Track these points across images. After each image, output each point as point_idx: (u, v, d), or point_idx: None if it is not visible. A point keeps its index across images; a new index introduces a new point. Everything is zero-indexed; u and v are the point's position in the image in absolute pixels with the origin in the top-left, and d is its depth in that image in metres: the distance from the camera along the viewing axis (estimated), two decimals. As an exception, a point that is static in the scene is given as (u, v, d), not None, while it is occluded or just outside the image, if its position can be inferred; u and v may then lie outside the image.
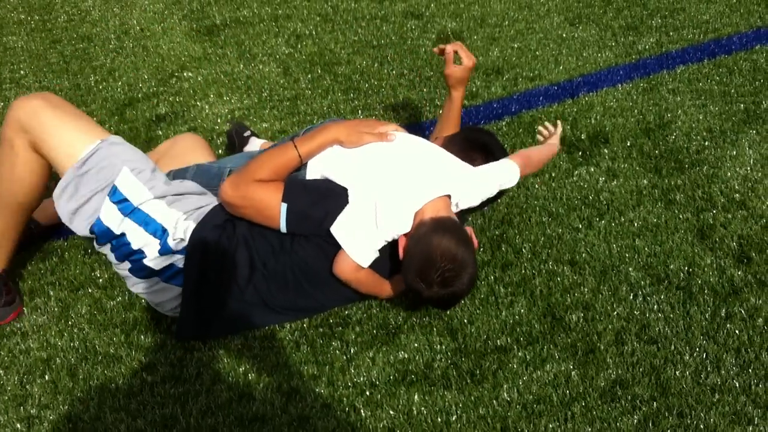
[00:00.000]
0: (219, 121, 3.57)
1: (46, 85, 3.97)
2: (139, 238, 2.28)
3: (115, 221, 2.26)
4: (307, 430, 2.11)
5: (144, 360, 2.37)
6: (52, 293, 2.61)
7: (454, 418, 2.13)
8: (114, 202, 2.26)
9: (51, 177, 2.43)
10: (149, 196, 2.29)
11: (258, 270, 2.32)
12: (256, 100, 3.75)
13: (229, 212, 2.31)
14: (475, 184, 2.31)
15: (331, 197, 2.26)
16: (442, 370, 2.28)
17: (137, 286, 2.39)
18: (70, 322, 2.50)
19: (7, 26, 4.68)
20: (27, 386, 2.29)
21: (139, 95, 3.83)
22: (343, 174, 2.31)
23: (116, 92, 3.87)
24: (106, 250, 2.33)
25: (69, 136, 2.30)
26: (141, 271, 2.33)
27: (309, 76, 3.94)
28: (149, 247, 2.29)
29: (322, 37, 4.35)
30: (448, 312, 2.45)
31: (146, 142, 3.42)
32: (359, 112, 3.58)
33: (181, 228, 2.30)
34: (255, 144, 3.14)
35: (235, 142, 3.22)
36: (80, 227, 2.29)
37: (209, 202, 2.41)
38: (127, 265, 2.33)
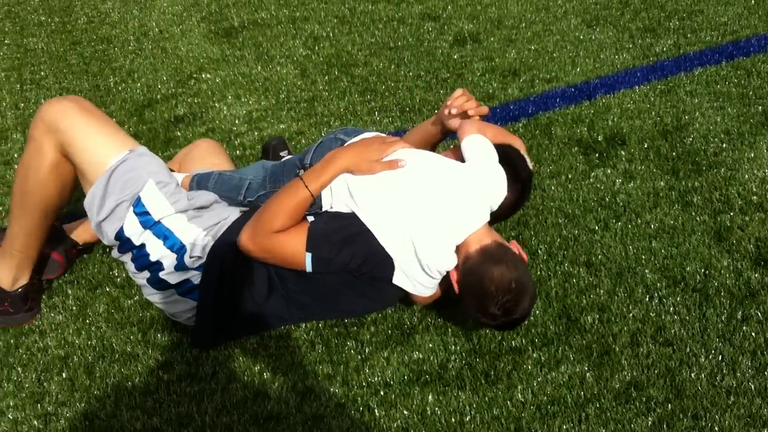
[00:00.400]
0: (237, 122, 3.59)
1: (66, 86, 4.01)
2: (157, 251, 2.31)
3: (137, 232, 2.29)
4: (322, 429, 2.12)
5: (160, 358, 2.39)
6: (70, 292, 2.64)
7: (468, 419, 2.13)
8: (137, 214, 2.28)
9: (76, 185, 2.45)
10: (171, 211, 2.31)
11: (277, 290, 2.33)
12: (273, 101, 3.77)
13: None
14: (494, 182, 2.25)
15: (355, 242, 2.20)
16: (457, 371, 2.28)
17: (153, 297, 2.42)
18: (87, 321, 2.53)
19: (28, 28, 4.73)
20: (44, 384, 2.31)
21: (158, 96, 3.86)
22: (368, 211, 2.23)
23: (135, 93, 3.91)
24: (126, 258, 2.36)
25: (98, 141, 2.32)
26: (157, 283, 2.35)
27: (326, 77, 3.96)
28: (166, 260, 2.31)
29: (339, 39, 4.36)
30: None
31: (165, 143, 3.45)
32: (375, 113, 3.59)
33: (199, 245, 2.31)
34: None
35: (268, 155, 3.08)
36: (107, 234, 2.32)
37: (229, 214, 2.42)
38: (145, 274, 2.36)
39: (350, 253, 2.20)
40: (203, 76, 4.03)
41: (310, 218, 2.29)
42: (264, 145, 3.19)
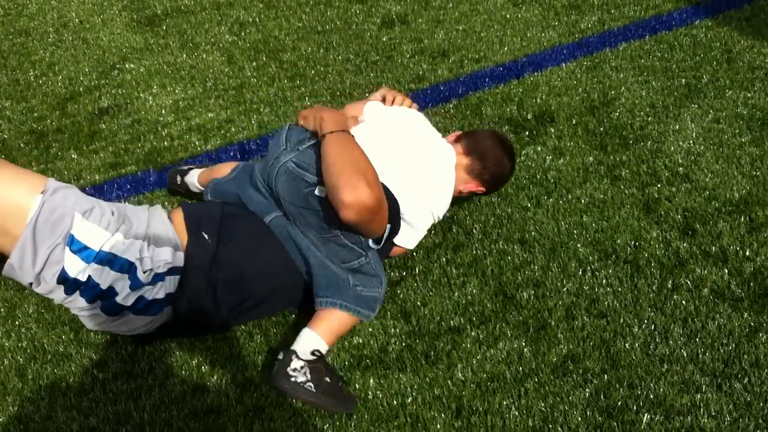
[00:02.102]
0: (163, 112, 3.52)
1: (-17, 81, 3.88)
2: (107, 278, 2.13)
3: (80, 269, 2.10)
4: (264, 420, 2.11)
5: (94, 357, 2.33)
6: (-3, 293, 2.56)
7: (409, 400, 2.14)
8: (75, 252, 2.10)
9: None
10: (107, 236, 2.14)
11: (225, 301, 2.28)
12: (200, 89, 3.70)
13: (354, 221, 2.08)
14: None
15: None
16: (397, 353, 2.29)
17: (102, 324, 2.24)
18: (17, 322, 2.46)
19: (-59, 22, 4.55)
20: (-26, 389, 2.24)
21: (81, 89, 3.76)
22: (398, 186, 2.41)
23: (57, 86, 3.79)
24: (74, 297, 2.15)
25: (6, 192, 2.09)
26: (112, 308, 2.17)
27: (254, 63, 3.90)
28: (119, 283, 2.14)
29: (265, 24, 4.30)
30: (400, 294, 2.46)
31: (89, 136, 3.36)
32: (306, 99, 3.56)
33: (147, 257, 2.17)
34: (193, 175, 2.91)
35: (176, 181, 2.94)
36: (48, 281, 2.11)
37: (146, 214, 2.29)
38: (97, 304, 2.17)
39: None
40: (127, 66, 3.93)
41: None
42: (170, 182, 2.99)
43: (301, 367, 2.12)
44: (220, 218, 2.34)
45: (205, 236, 2.26)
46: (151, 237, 2.21)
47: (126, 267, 2.14)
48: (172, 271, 2.21)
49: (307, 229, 2.29)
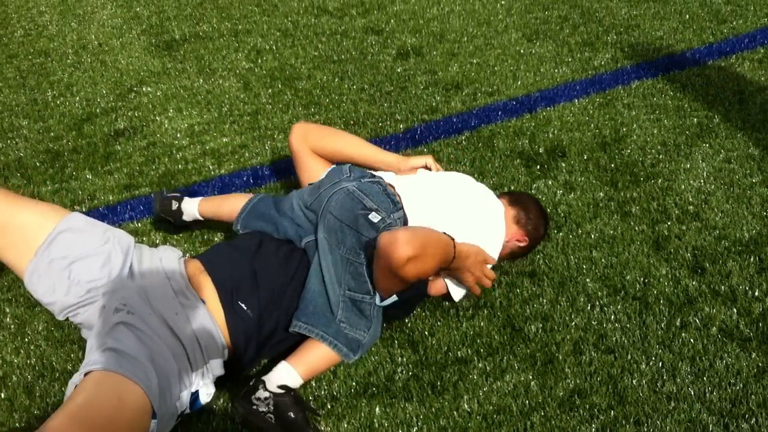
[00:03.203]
0: (178, 136, 3.55)
1: (2, 100, 3.92)
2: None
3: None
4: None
5: (102, 376, 2.33)
6: (8, 310, 2.58)
7: (415, 430, 2.14)
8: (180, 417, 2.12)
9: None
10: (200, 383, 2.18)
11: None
12: (216, 114, 3.74)
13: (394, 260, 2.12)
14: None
15: None
16: (403, 382, 2.29)
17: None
18: (26, 339, 2.47)
19: (-38, 41, 4.62)
20: (-18, 405, 2.25)
21: (97, 110, 3.80)
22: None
23: (74, 107, 3.84)
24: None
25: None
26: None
27: (269, 90, 3.94)
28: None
29: (282, 52, 4.36)
30: (409, 320, 2.47)
31: (104, 158, 3.40)
32: (320, 126, 3.59)
33: (208, 383, 2.20)
34: (193, 205, 2.81)
35: (170, 207, 2.82)
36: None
37: (196, 322, 2.21)
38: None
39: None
40: (144, 89, 3.98)
41: None
42: (163, 212, 2.85)
43: (265, 399, 2.13)
44: (252, 277, 2.31)
45: (243, 307, 2.24)
46: (206, 355, 2.18)
47: (194, 395, 2.17)
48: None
49: (338, 247, 2.32)
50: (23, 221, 2.21)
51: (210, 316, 2.19)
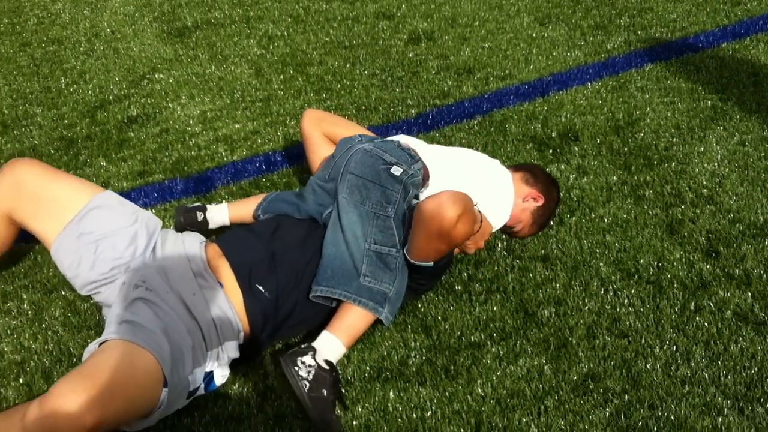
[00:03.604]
0: (191, 122, 3.56)
1: (16, 88, 3.94)
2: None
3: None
4: (283, 429, 2.12)
5: (118, 362, 2.35)
6: (25, 296, 2.60)
7: (429, 414, 2.15)
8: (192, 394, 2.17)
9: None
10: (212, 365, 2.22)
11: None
12: (228, 101, 3.74)
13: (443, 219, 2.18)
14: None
15: None
16: (417, 367, 2.30)
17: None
18: (43, 325, 2.49)
19: (-25, 29, 4.64)
20: (1, 390, 2.27)
21: (110, 97, 3.81)
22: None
23: (87, 95, 3.85)
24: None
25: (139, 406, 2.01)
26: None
27: (281, 76, 3.94)
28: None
29: (293, 38, 4.35)
30: (419, 304, 2.47)
31: (118, 144, 3.41)
32: (332, 112, 3.59)
33: (224, 364, 2.25)
34: (220, 212, 2.76)
35: (196, 219, 2.74)
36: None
37: (213, 305, 2.26)
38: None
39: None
40: (156, 76, 3.99)
41: None
42: (182, 223, 2.74)
43: (309, 366, 2.16)
44: (269, 259, 2.34)
45: (261, 289, 2.28)
46: (221, 335, 2.22)
47: (208, 375, 2.22)
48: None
49: (363, 203, 2.36)
50: (57, 194, 2.28)
51: (227, 299, 2.23)
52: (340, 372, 2.26)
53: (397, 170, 2.40)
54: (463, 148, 2.85)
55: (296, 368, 2.14)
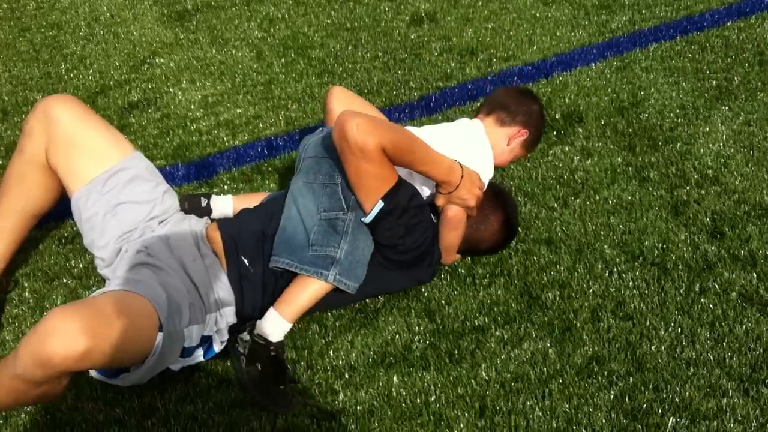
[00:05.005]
0: (192, 107, 3.54)
1: (16, 74, 3.93)
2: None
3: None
4: (287, 414, 2.12)
5: (121, 349, 2.35)
6: (26, 284, 2.59)
7: (433, 399, 2.14)
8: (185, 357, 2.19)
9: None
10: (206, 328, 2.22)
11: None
12: (229, 85, 3.72)
13: (341, 144, 2.12)
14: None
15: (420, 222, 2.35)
16: (421, 351, 2.29)
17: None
18: (45, 313, 2.48)
19: (-25, 15, 4.62)
20: (3, 378, 2.27)
21: (111, 82, 3.80)
22: None
23: (88, 80, 3.84)
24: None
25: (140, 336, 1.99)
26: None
27: (282, 60, 3.92)
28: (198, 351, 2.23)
29: (295, 21, 4.32)
30: (426, 289, 2.46)
31: (119, 130, 3.38)
32: (334, 95, 3.57)
33: (222, 329, 2.27)
34: (224, 202, 2.69)
35: (199, 204, 2.65)
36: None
37: (212, 273, 2.29)
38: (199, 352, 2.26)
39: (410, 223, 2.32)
40: (157, 60, 3.97)
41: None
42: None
43: (245, 341, 2.20)
44: (260, 237, 2.36)
45: (245, 262, 2.32)
46: (219, 301, 2.27)
47: (207, 340, 2.24)
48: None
49: (314, 180, 2.35)
50: (91, 144, 2.32)
51: (220, 267, 2.31)
52: (283, 345, 2.26)
53: None
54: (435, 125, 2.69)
55: (236, 345, 2.20)
